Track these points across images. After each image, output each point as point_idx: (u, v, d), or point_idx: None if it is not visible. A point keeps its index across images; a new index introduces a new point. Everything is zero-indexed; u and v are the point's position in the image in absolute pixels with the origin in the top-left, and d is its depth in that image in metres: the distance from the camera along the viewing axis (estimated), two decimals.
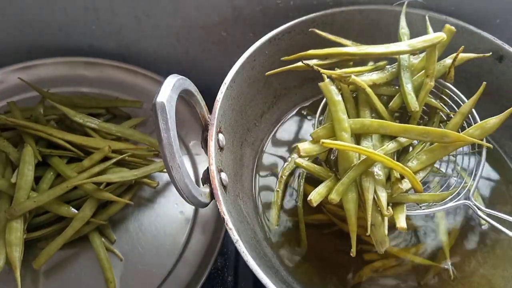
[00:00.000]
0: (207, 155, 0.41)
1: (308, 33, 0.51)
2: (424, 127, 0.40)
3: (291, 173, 0.51)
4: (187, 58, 0.65)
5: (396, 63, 0.45)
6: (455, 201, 0.42)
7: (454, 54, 0.44)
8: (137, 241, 0.50)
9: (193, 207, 0.52)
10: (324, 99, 0.45)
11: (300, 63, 0.44)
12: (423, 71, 0.44)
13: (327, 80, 0.42)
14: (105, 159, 0.49)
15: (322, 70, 0.42)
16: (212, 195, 0.38)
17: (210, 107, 0.42)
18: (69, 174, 0.47)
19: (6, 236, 0.44)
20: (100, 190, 0.47)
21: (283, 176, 0.50)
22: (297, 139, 0.55)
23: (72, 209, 0.47)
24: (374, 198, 0.38)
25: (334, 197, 0.38)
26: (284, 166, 0.51)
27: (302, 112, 0.58)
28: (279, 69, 0.45)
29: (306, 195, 0.42)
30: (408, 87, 0.43)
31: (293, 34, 0.51)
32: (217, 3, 0.57)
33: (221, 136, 0.42)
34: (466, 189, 0.42)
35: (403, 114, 0.47)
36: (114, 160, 0.49)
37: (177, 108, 0.35)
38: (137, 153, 0.51)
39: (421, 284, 0.45)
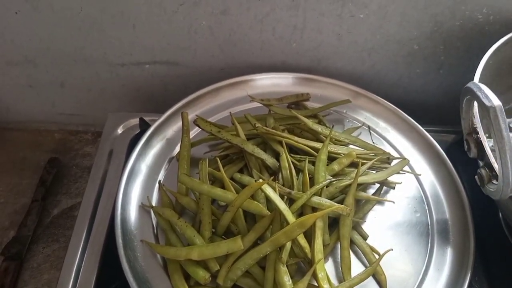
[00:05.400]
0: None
1: None
2: None
3: None
4: (371, 71, 0.70)
5: None
6: None
7: None
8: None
9: (427, 205, 0.56)
10: None
11: None
12: None
13: None
14: None
15: None
16: None
17: None
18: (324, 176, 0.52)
19: None
20: (357, 190, 0.51)
21: None
22: None
23: None
24: None
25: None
26: None
27: None
28: None
29: None
30: None
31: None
32: (421, 19, 0.62)
33: None
34: None
35: None
36: (369, 163, 0.53)
37: None
38: (370, 158, 0.56)
39: None
